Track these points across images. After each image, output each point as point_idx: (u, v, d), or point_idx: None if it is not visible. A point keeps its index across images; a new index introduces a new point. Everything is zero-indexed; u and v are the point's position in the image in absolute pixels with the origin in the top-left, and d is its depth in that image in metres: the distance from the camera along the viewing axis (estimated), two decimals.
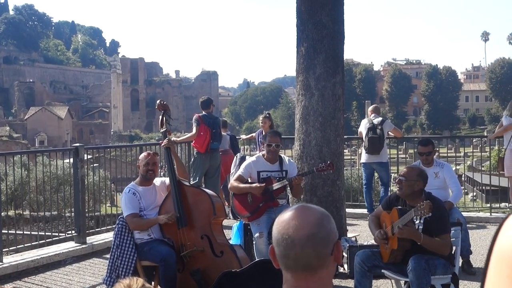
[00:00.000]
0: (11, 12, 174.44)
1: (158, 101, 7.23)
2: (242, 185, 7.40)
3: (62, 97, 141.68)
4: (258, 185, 7.25)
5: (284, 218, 2.11)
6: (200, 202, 6.56)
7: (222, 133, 12.87)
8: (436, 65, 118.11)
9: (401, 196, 6.02)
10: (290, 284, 2.10)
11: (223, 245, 6.45)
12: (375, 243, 6.78)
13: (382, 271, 6.11)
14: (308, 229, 2.05)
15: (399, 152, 19.62)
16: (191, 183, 11.08)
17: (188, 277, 6.40)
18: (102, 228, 10.95)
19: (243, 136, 12.85)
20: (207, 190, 6.97)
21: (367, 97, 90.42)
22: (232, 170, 8.98)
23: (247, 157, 8.72)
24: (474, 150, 34.32)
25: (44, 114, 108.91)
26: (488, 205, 13.55)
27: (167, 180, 6.89)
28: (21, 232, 11.24)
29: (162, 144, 6.91)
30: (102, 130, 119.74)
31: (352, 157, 18.09)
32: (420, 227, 5.83)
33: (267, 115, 12.89)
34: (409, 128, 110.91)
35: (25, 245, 9.61)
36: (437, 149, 21.57)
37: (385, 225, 6.12)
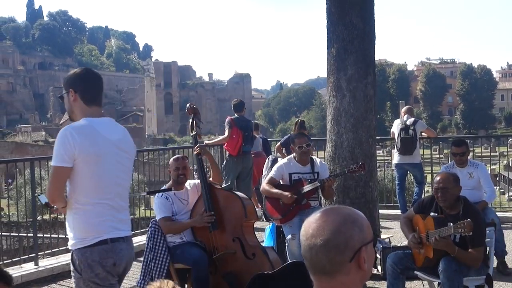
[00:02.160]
0: (46, 18, 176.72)
1: (188, 105, 7.23)
2: (274, 190, 7.38)
3: None
4: (289, 194, 7.21)
5: (309, 220, 2.13)
6: (231, 205, 6.57)
7: (255, 135, 12.88)
8: (471, 63, 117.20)
9: (445, 207, 5.92)
10: (315, 285, 2.12)
11: (255, 247, 6.44)
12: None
13: (415, 272, 6.06)
14: (323, 235, 2.06)
15: (434, 152, 19.48)
16: (223, 185, 11.12)
17: (220, 279, 6.41)
18: (136, 231, 10.99)
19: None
20: (238, 193, 6.97)
21: (401, 97, 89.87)
22: (264, 172, 8.99)
23: (279, 159, 8.69)
24: (510, 150, 33.91)
25: None
26: None
27: (198, 182, 6.90)
28: (56, 235, 11.33)
29: (195, 152, 6.91)
30: (136, 134, 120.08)
31: (386, 158, 17.99)
32: (457, 236, 5.76)
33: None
34: (444, 128, 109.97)
35: (60, 248, 9.71)
36: (472, 148, 21.38)
37: (418, 229, 6.06)
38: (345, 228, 2.07)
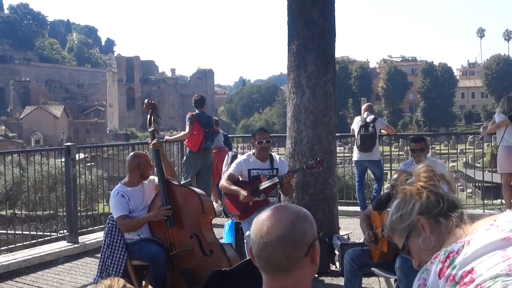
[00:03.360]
0: (6, 11, 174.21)
1: (146, 101, 7.20)
2: (232, 187, 7.37)
3: (58, 96, 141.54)
4: (246, 193, 7.19)
5: (259, 218, 2.13)
6: (189, 201, 6.53)
7: (218, 130, 12.86)
8: (432, 61, 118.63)
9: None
10: (265, 284, 2.12)
11: (213, 244, 6.42)
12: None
13: (372, 269, 6.10)
14: (279, 231, 2.06)
15: (395, 149, 19.65)
16: (183, 181, 11.09)
17: (178, 276, 6.38)
18: (95, 228, 10.91)
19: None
20: (196, 189, 6.95)
21: (363, 94, 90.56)
22: (224, 168, 8.96)
23: (238, 155, 8.68)
24: (469, 147, 34.39)
25: (40, 113, 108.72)
26: (483, 201, 13.55)
27: (155, 178, 6.87)
28: (13, 232, 11.21)
29: (151, 145, 6.88)
30: (98, 129, 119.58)
31: (347, 155, 18.10)
32: None
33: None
34: (405, 125, 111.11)
35: (17, 244, 9.60)
36: (433, 146, 21.63)
37: (375, 225, 6.12)
38: (299, 223, 2.08)
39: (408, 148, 13.78)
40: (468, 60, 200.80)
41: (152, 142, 6.84)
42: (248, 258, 5.47)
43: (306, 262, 2.08)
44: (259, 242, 2.08)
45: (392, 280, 6.25)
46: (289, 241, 2.05)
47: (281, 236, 2.05)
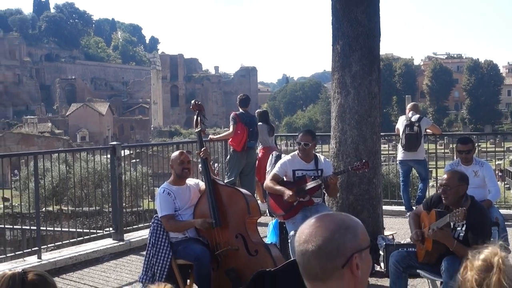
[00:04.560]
0: (52, 10, 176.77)
1: (192, 101, 7.26)
2: (276, 187, 7.37)
3: (103, 94, 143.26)
4: (291, 193, 7.19)
5: (303, 226, 2.15)
6: (234, 202, 6.57)
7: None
8: (478, 59, 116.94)
9: (449, 205, 5.90)
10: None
11: (258, 244, 6.45)
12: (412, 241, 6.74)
13: (418, 271, 6.06)
14: (315, 241, 2.06)
15: (440, 147, 19.45)
16: (227, 180, 11.14)
17: (223, 275, 6.42)
18: (140, 225, 11.01)
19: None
20: (241, 190, 6.99)
21: (407, 91, 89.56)
22: (268, 168, 8.97)
23: (282, 155, 8.67)
24: None
25: (85, 111, 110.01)
26: None
27: (201, 183, 6.91)
28: (59, 229, 11.37)
29: (201, 154, 6.91)
30: (142, 126, 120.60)
31: (391, 152, 17.99)
32: (461, 234, 5.76)
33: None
34: (450, 123, 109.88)
35: (63, 242, 9.74)
36: (478, 144, 21.37)
37: (423, 225, 6.08)
38: (338, 235, 2.07)
39: (454, 146, 13.62)
40: None
41: (201, 152, 6.88)
42: (293, 259, 5.49)
43: (344, 274, 2.07)
44: (298, 249, 2.11)
45: (438, 283, 6.19)
46: (323, 252, 2.05)
47: (316, 246, 2.05)
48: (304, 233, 2.11)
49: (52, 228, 10.99)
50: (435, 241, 5.79)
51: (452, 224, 5.78)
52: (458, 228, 5.78)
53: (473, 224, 5.68)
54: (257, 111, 13.17)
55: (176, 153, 6.97)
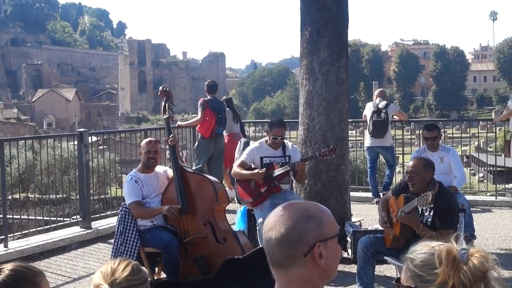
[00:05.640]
0: None
1: (160, 88, 7.24)
2: (244, 172, 7.38)
3: (70, 79, 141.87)
4: (259, 171, 7.23)
5: (270, 215, 2.18)
6: (202, 189, 6.57)
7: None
8: (444, 45, 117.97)
9: (416, 192, 5.95)
10: (274, 276, 2.15)
11: (226, 231, 6.46)
12: (379, 228, 6.80)
13: (385, 258, 6.12)
14: (279, 229, 2.08)
15: (407, 133, 19.59)
16: (195, 167, 11.11)
17: (191, 263, 6.41)
18: (108, 213, 10.95)
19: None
20: (209, 177, 6.99)
21: (374, 77, 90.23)
22: (236, 155, 8.96)
23: (250, 142, 8.67)
24: (481, 131, 34.29)
25: (52, 96, 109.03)
26: (496, 186, 13.54)
27: (169, 170, 6.89)
28: (26, 217, 11.27)
29: (168, 141, 6.88)
30: (109, 112, 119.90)
31: (359, 139, 18.10)
32: (428, 219, 5.84)
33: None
34: (416, 109, 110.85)
35: (30, 230, 9.67)
36: (445, 130, 21.57)
37: (392, 210, 6.14)
38: (300, 223, 2.08)
39: (420, 132, 13.74)
40: (480, 44, 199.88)
41: (170, 139, 6.86)
42: (260, 246, 5.49)
43: (307, 262, 2.08)
44: (263, 237, 2.14)
45: None
46: (285, 240, 2.07)
47: (279, 234, 2.08)
48: (270, 221, 2.13)
49: (18, 216, 10.89)
50: (403, 225, 5.87)
51: (420, 209, 5.85)
52: (426, 214, 5.86)
53: (441, 209, 5.77)
54: (223, 98, 13.14)
55: (145, 140, 6.96)
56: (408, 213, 5.79)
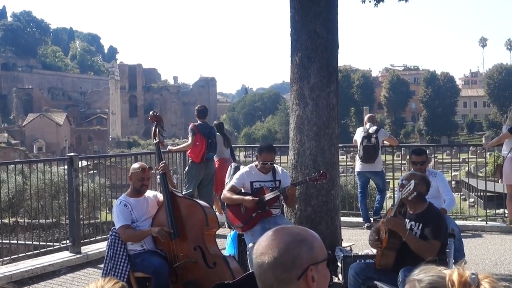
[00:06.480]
0: (9, 19, 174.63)
1: (151, 113, 7.25)
2: (235, 196, 7.38)
3: (60, 104, 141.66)
4: (251, 198, 7.23)
5: (260, 239, 2.18)
6: (193, 214, 6.56)
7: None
8: (434, 71, 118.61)
9: (404, 201, 5.99)
10: None
11: (216, 256, 6.44)
12: (370, 252, 6.80)
13: (375, 282, 6.11)
14: (271, 253, 2.09)
15: (397, 158, 19.64)
16: (185, 192, 11.10)
17: None
18: (97, 238, 10.90)
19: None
20: (200, 202, 6.97)
21: (365, 103, 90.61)
22: (227, 180, 8.97)
23: (241, 167, 8.68)
24: (472, 156, 34.37)
25: (42, 121, 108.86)
26: (486, 211, 13.55)
27: (159, 195, 6.89)
28: (15, 242, 11.21)
29: (159, 169, 6.87)
30: (100, 137, 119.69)
31: (349, 164, 18.13)
32: (417, 233, 5.86)
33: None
34: (407, 134, 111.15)
35: (20, 255, 9.61)
36: (435, 155, 21.64)
37: (382, 232, 6.14)
38: (293, 246, 2.09)
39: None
40: (470, 69, 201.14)
41: (160, 166, 6.85)
42: (251, 271, 5.48)
43: (300, 286, 2.09)
44: (255, 261, 2.14)
45: None
46: (279, 263, 2.07)
47: (272, 258, 2.07)
48: (261, 245, 2.13)
49: (7, 241, 10.83)
50: (390, 235, 5.87)
51: (408, 225, 5.88)
52: (414, 228, 5.89)
53: (429, 221, 5.83)
54: (213, 123, 13.18)
55: (136, 165, 6.93)
56: (394, 216, 5.85)
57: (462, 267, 2.05)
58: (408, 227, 5.92)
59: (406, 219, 5.92)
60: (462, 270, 2.05)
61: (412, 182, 5.70)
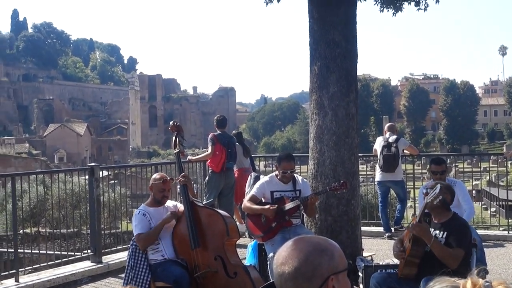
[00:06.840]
0: (30, 30, 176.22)
1: (171, 122, 7.28)
2: (255, 206, 7.38)
3: (81, 114, 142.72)
4: (271, 207, 7.22)
5: (281, 249, 2.19)
6: (213, 223, 6.58)
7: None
8: (454, 79, 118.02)
9: (429, 208, 5.97)
10: None
11: (237, 266, 6.45)
12: (391, 262, 6.78)
13: None
14: (292, 263, 2.10)
15: (418, 168, 19.55)
16: (206, 202, 11.11)
17: None
18: (118, 247, 10.95)
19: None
20: (220, 211, 6.98)
21: (384, 112, 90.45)
22: (247, 189, 8.97)
23: (261, 176, 8.68)
24: (493, 165, 34.15)
25: (63, 131, 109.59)
26: (508, 221, 13.46)
27: (179, 205, 6.91)
28: (37, 251, 11.28)
29: (180, 181, 6.89)
30: (120, 147, 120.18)
31: (370, 173, 18.05)
32: (442, 241, 5.83)
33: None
34: (427, 143, 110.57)
35: (41, 264, 9.67)
36: (456, 164, 21.53)
37: (406, 241, 6.12)
38: (314, 256, 2.11)
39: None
40: (490, 78, 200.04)
41: (180, 179, 6.88)
42: (271, 281, 5.49)
43: None
44: (275, 271, 2.15)
45: None
46: (299, 274, 2.08)
47: (292, 268, 2.09)
48: (281, 255, 2.14)
49: (29, 251, 10.90)
50: (414, 242, 5.82)
51: (433, 233, 5.84)
52: (439, 237, 5.85)
53: (454, 229, 5.79)
54: (232, 132, 13.22)
55: (157, 176, 6.96)
56: (418, 222, 5.82)
57: (478, 275, 2.05)
58: (432, 230, 5.91)
59: (431, 228, 5.90)
60: (476, 278, 2.06)
61: (438, 186, 5.69)
